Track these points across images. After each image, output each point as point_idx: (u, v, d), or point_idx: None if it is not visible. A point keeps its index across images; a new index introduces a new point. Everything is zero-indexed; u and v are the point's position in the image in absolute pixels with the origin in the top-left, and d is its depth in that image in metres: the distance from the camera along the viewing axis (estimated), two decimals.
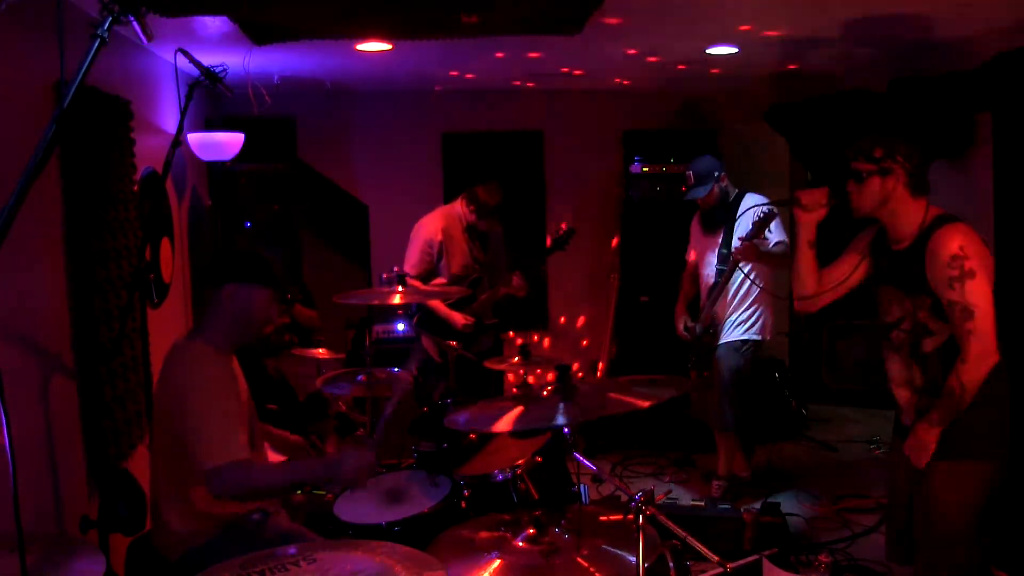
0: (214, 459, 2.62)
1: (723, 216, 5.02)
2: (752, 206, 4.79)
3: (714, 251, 5.04)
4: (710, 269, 5.07)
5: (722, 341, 5.04)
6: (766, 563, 3.19)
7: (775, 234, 4.76)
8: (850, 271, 3.17)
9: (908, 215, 2.94)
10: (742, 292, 4.98)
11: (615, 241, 6.92)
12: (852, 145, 3.00)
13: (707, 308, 5.03)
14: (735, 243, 4.81)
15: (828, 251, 3.26)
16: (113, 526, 3.07)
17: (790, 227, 4.25)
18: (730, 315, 5.01)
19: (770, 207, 4.60)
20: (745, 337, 5.02)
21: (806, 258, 3.18)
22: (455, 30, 4.18)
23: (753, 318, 5.01)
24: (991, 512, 2.94)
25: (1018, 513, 3.66)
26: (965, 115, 4.90)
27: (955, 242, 2.80)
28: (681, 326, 5.20)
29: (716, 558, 2.16)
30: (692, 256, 5.29)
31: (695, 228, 5.25)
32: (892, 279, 3.03)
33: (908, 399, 3.04)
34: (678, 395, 2.40)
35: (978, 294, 2.77)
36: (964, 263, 2.77)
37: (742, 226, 4.83)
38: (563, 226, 5.27)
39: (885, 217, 3.00)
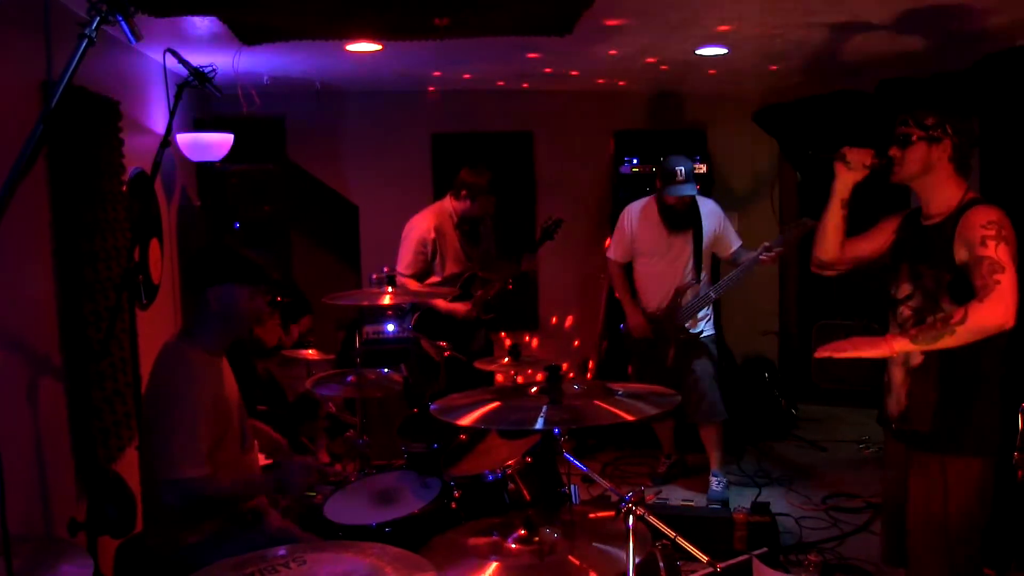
0: (173, 472, 2.66)
1: (689, 217, 5.11)
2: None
3: (686, 252, 5.13)
4: (681, 269, 5.15)
5: (700, 337, 5.21)
6: (756, 562, 3.20)
7: (735, 237, 5.17)
8: (878, 247, 3.13)
9: (947, 191, 2.89)
10: (704, 291, 5.14)
11: (608, 242, 6.88)
12: (904, 110, 2.94)
13: (684, 307, 5.12)
14: (705, 244, 5.12)
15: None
16: (102, 528, 3.05)
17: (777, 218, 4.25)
18: (700, 313, 5.17)
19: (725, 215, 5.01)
20: (714, 332, 5.30)
21: (836, 217, 3.12)
22: (430, 33, 4.17)
23: (712, 314, 5.29)
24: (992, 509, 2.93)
25: (1003, 510, 3.67)
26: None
27: (994, 213, 2.77)
28: (642, 326, 5.22)
29: (706, 558, 2.17)
30: (616, 254, 5.34)
31: (644, 225, 5.22)
32: (915, 253, 2.97)
33: (901, 379, 3.00)
34: (668, 410, 2.38)
35: (1008, 257, 2.71)
36: (1000, 229, 2.73)
37: (707, 229, 5.13)
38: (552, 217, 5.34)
39: (923, 189, 2.95)
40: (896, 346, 2.80)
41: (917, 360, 2.93)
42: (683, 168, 4.95)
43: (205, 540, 2.80)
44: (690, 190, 4.99)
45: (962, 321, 2.68)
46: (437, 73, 5.98)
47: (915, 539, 2.98)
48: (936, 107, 2.89)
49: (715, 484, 5.20)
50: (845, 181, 3.08)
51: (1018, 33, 4.35)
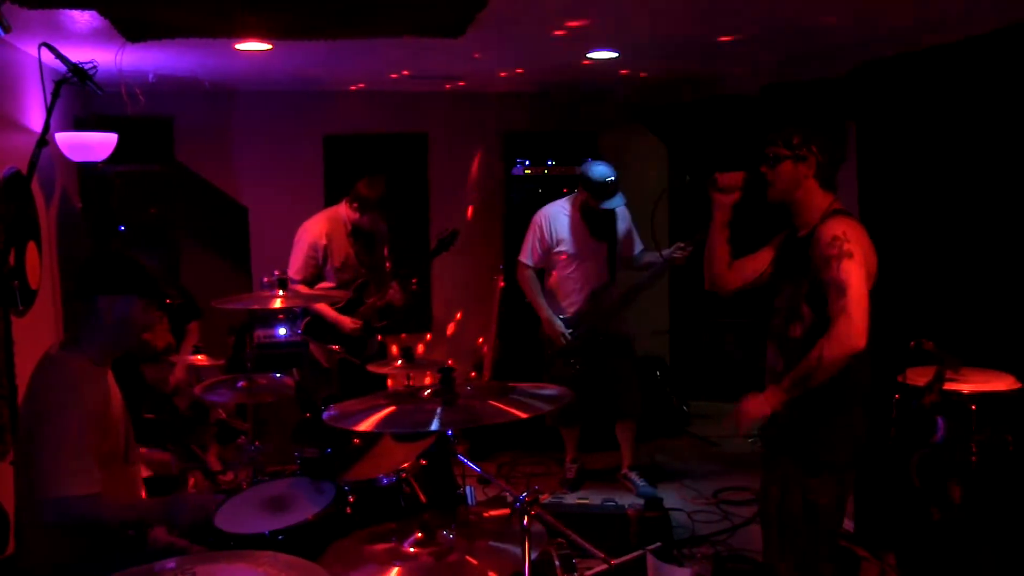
0: (58, 490, 2.54)
1: (610, 221, 5.22)
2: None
3: (603, 254, 5.23)
4: (599, 272, 5.23)
5: (617, 336, 5.31)
6: (650, 558, 3.26)
7: (638, 239, 5.30)
8: (764, 264, 3.21)
9: (813, 205, 3.00)
10: (620, 292, 5.26)
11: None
12: (773, 131, 3.05)
13: (603, 309, 5.19)
14: (618, 246, 5.23)
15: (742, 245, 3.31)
16: None
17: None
18: (616, 313, 5.27)
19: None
20: (629, 331, 5.41)
21: (719, 239, 3.21)
22: (320, 33, 4.13)
23: (625, 314, 5.40)
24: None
25: (878, 495, 3.83)
26: (833, 122, 5.11)
27: (840, 227, 2.88)
28: (562, 333, 5.21)
29: (601, 554, 2.20)
30: (531, 259, 5.32)
31: (566, 230, 5.23)
32: (787, 264, 3.10)
33: (768, 386, 3.08)
34: (562, 406, 2.41)
35: (852, 275, 2.81)
36: (843, 244, 2.83)
37: (620, 231, 5.28)
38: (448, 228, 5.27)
39: (794, 205, 3.05)
40: (775, 400, 2.93)
41: (781, 367, 3.04)
42: (613, 178, 5.00)
43: (83, 559, 2.66)
44: (622, 201, 5.07)
45: (819, 360, 2.81)
46: (329, 74, 5.90)
47: (770, 533, 3.12)
48: (803, 126, 3.01)
49: (639, 480, 5.31)
50: (722, 205, 3.18)
51: (881, 45, 4.57)
